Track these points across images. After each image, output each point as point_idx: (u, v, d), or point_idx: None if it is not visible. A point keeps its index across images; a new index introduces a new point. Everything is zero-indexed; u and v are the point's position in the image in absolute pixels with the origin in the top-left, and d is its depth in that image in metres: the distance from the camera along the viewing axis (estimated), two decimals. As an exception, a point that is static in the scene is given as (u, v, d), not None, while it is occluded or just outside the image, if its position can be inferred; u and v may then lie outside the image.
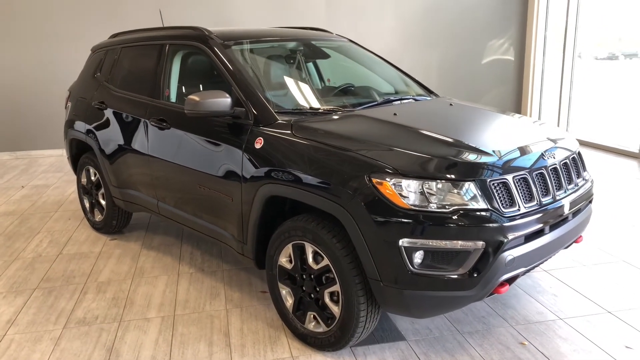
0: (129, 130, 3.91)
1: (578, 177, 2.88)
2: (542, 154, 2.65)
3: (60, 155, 8.07)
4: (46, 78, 7.89)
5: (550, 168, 2.64)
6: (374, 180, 2.37)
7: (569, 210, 2.69)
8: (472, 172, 2.39)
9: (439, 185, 2.35)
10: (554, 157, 2.70)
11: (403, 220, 2.31)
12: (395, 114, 3.01)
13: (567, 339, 2.86)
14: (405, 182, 2.35)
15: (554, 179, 2.66)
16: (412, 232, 2.32)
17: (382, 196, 2.34)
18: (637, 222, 4.58)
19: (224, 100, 2.96)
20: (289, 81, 3.70)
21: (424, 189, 2.34)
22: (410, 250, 2.33)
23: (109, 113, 4.11)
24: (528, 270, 2.58)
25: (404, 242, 2.32)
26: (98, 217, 4.62)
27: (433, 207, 2.32)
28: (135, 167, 3.92)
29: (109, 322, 3.16)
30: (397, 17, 8.68)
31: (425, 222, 2.31)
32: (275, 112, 2.97)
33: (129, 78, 4.10)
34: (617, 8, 9.39)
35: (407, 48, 8.83)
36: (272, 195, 2.83)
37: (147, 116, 3.68)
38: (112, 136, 4.08)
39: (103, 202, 4.47)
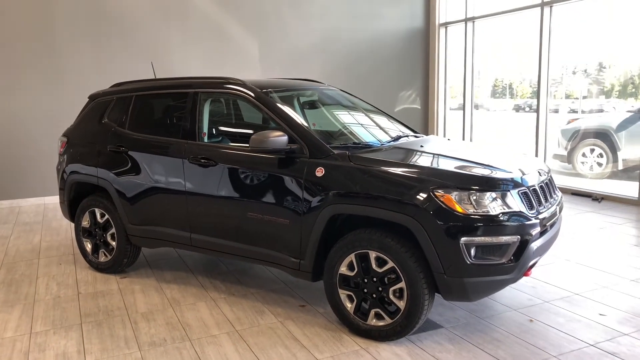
0: (158, 169, 4.22)
1: (556, 190, 3.84)
2: (538, 171, 3.57)
3: (-8, 208, 7.71)
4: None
5: (544, 182, 3.56)
6: (437, 193, 3.08)
7: (558, 214, 3.61)
8: (507, 184, 3.21)
9: (486, 195, 3.11)
10: (545, 175, 3.63)
11: (463, 223, 3.04)
12: (422, 146, 3.78)
13: (559, 314, 3.73)
14: (460, 194, 3.09)
15: (547, 191, 3.57)
16: (470, 232, 3.05)
17: (446, 205, 3.06)
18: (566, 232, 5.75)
19: (283, 139, 3.53)
20: (321, 122, 4.34)
21: (475, 198, 3.09)
22: (468, 246, 3.06)
23: (131, 155, 4.38)
24: (540, 258, 3.43)
25: (463, 240, 3.04)
26: (103, 258, 4.74)
27: (483, 211, 3.08)
28: (164, 203, 4.22)
29: (179, 342, 3.44)
30: (323, 69, 9.63)
31: (479, 223, 3.06)
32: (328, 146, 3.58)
33: (153, 122, 4.44)
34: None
35: (332, 97, 9.79)
36: (333, 215, 3.41)
37: (184, 156, 4.06)
38: (135, 177, 4.34)
39: (113, 243, 4.64)
